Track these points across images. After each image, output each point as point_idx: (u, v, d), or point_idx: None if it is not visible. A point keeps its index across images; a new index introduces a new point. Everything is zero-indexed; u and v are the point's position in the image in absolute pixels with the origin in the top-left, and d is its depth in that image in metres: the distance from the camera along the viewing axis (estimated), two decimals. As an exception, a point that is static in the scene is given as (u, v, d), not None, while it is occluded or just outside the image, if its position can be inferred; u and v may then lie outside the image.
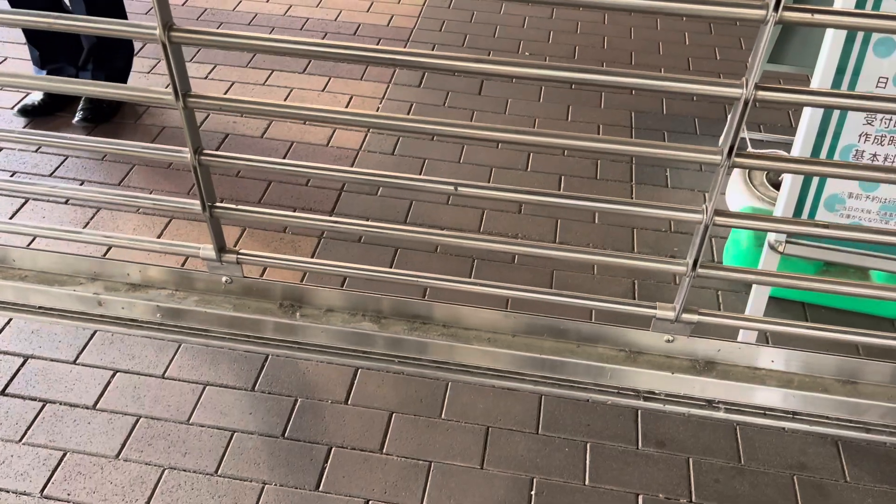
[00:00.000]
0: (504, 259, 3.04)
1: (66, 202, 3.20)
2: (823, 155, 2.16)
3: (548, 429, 2.51)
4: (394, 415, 2.53)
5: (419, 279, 1.28)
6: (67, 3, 3.51)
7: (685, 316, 1.26)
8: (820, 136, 2.14)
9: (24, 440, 2.40)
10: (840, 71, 2.07)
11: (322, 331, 1.32)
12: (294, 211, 2.99)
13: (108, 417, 2.46)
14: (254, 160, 1.23)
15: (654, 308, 1.26)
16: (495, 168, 3.48)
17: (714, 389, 1.31)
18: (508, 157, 3.53)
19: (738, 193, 3.32)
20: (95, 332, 2.69)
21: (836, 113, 2.11)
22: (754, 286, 2.51)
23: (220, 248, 1.29)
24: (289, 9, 4.18)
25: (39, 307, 1.36)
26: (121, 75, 3.73)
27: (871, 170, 1.09)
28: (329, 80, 3.86)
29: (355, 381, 2.61)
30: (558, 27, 4.14)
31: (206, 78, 3.77)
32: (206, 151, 1.19)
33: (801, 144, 2.16)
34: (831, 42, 2.05)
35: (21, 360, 2.63)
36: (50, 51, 3.63)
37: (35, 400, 2.51)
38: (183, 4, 4.11)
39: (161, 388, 2.53)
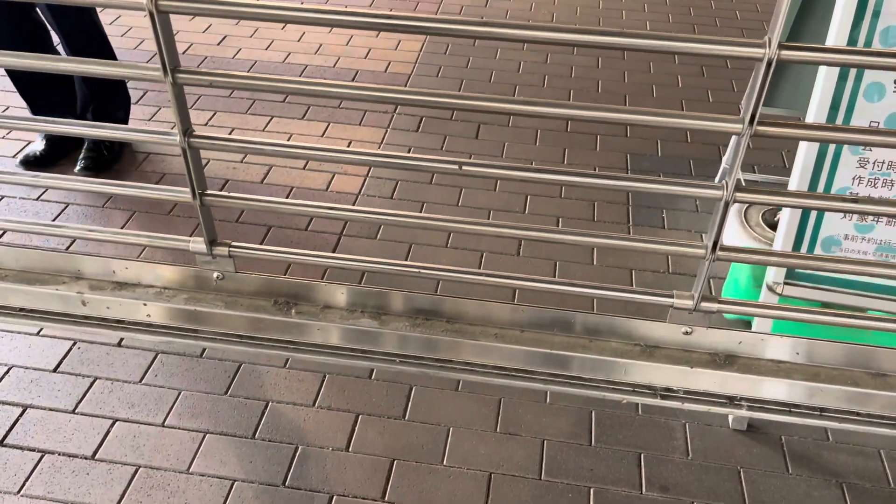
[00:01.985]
0: (506, 294, 2.94)
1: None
2: (808, 232, 2.11)
3: (550, 474, 2.38)
4: (395, 462, 2.40)
5: (422, 271, 1.18)
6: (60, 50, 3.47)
7: (704, 304, 1.15)
8: (814, 179, 2.08)
9: (22, 491, 2.26)
10: (833, 111, 2.01)
11: (319, 329, 1.22)
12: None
13: (107, 468, 2.33)
14: (254, 199, 1.15)
15: (672, 297, 1.16)
16: (493, 210, 3.40)
17: (736, 384, 1.20)
18: (507, 201, 3.45)
19: (733, 233, 3.24)
20: (95, 379, 2.57)
21: (830, 156, 2.05)
22: (754, 321, 2.40)
23: (212, 241, 1.19)
24: (287, 56, 4.15)
25: (20, 309, 1.26)
26: (122, 122, 3.67)
27: (872, 203, 1.03)
28: (328, 125, 3.81)
29: (356, 428, 2.49)
30: (553, 71, 4.11)
31: (206, 124, 3.72)
32: (208, 192, 1.12)
33: (795, 186, 2.10)
34: (823, 84, 1.99)
35: (20, 409, 2.51)
36: (43, 104, 3.56)
37: (34, 451, 2.38)
38: (184, 53, 4.08)
39: (161, 436, 2.41)
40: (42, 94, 3.53)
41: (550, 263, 3.16)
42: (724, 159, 3.36)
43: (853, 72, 1.96)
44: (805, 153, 2.06)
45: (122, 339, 2.63)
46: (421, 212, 3.35)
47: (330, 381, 2.62)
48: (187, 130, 1.08)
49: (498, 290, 2.98)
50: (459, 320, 1.22)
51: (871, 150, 2.02)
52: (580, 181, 1.08)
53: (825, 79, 1.98)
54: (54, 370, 2.59)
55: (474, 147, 3.73)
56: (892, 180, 2.04)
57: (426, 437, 2.47)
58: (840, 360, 1.19)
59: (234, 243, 1.19)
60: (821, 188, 2.09)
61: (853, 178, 2.06)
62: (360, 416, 2.51)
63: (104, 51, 3.45)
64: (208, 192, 1.14)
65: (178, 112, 1.07)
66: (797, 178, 2.09)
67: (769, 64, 0.90)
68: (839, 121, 2.01)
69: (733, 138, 3.24)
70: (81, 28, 3.37)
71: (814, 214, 2.13)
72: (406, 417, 2.52)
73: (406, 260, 2.97)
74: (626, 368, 1.20)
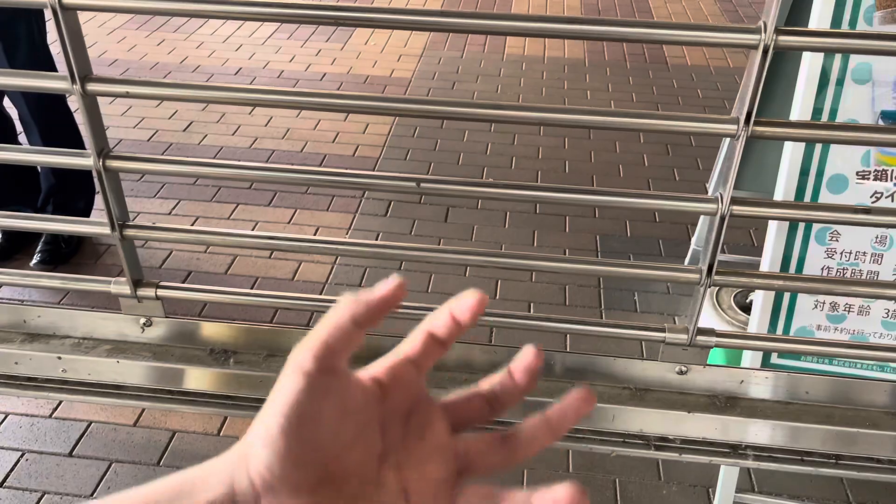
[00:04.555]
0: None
1: None
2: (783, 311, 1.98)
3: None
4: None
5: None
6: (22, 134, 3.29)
7: (700, 339, 0.98)
8: (785, 261, 1.97)
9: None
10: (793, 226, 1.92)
11: (260, 380, 1.03)
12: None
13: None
14: (186, 232, 0.99)
15: (663, 331, 0.99)
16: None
17: (739, 430, 1.02)
18: (477, 285, 3.27)
19: (705, 316, 3.09)
20: (44, 494, 2.32)
21: (798, 243, 1.95)
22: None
23: (136, 281, 1.01)
24: (254, 141, 4.02)
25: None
26: (82, 216, 3.48)
27: (853, 285, 0.98)
28: (295, 211, 3.65)
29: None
30: (520, 153, 4.01)
31: (170, 213, 3.54)
32: (130, 223, 0.96)
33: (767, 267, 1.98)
34: (787, 171, 1.89)
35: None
36: (2, 193, 3.37)
37: None
38: (149, 140, 3.93)
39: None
40: (2, 184, 3.35)
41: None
42: (694, 240, 3.23)
43: (815, 164, 1.88)
44: (775, 236, 1.94)
45: (73, 449, 2.39)
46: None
47: None
48: (102, 150, 0.92)
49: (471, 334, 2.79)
50: (422, 365, 1.03)
51: (837, 240, 1.93)
52: (555, 266, 1.00)
53: (790, 162, 1.88)
54: (0, 485, 2.33)
55: (443, 231, 3.59)
56: (859, 270, 1.93)
57: None
58: (856, 399, 1.01)
59: (162, 283, 1.01)
60: (792, 270, 1.97)
61: (822, 269, 1.95)
62: None
63: (74, 138, 3.28)
64: (130, 223, 0.97)
65: (92, 127, 0.90)
66: (768, 260, 1.97)
67: (742, 139, 0.84)
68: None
69: (703, 219, 3.13)
70: (55, 115, 3.20)
71: (786, 302, 1.99)
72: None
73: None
74: (613, 415, 1.01)
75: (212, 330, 1.04)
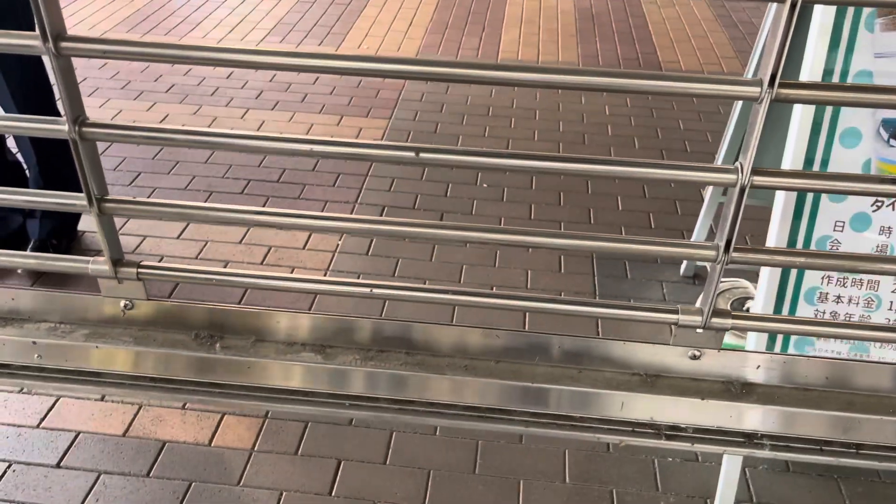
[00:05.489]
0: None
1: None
2: (790, 288, 1.93)
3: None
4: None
5: (374, 290, 0.94)
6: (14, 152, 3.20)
7: (715, 321, 0.92)
8: (782, 284, 1.93)
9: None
10: (797, 216, 1.87)
11: (248, 367, 0.96)
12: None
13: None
14: (171, 205, 0.92)
15: (676, 313, 0.92)
16: (466, 266, 3.15)
17: (755, 419, 0.95)
18: (477, 253, 3.20)
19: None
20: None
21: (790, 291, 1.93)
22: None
23: (116, 261, 0.94)
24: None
25: None
26: (71, 220, 3.39)
27: (877, 261, 0.86)
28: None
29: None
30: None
31: (161, 219, 3.46)
32: (109, 197, 0.90)
33: (764, 292, 1.92)
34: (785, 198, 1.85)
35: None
36: None
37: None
38: (129, 184, 3.84)
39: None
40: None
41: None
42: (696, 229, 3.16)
43: (804, 224, 1.85)
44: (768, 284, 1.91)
45: (61, 460, 2.31)
46: (395, 271, 3.09)
47: (269, 431, 2.35)
48: (78, 118, 0.85)
49: (468, 318, 2.69)
50: (421, 350, 0.97)
51: (837, 248, 1.89)
52: (560, 243, 0.93)
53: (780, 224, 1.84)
54: None
55: (444, 205, 3.54)
56: (859, 279, 1.89)
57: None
58: (880, 385, 0.95)
59: (143, 262, 0.94)
60: (791, 288, 1.94)
61: (822, 277, 1.91)
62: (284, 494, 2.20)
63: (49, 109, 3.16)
64: (110, 197, 0.90)
65: (67, 92, 0.84)
66: (765, 284, 1.93)
67: (765, 102, 0.78)
68: (804, 221, 1.88)
69: (700, 224, 3.07)
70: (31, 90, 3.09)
71: (790, 291, 1.94)
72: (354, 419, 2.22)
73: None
74: (623, 402, 0.95)
75: (197, 313, 0.97)
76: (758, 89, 0.77)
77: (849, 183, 0.81)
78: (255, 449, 2.34)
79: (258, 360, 0.96)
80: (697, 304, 0.93)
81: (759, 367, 0.95)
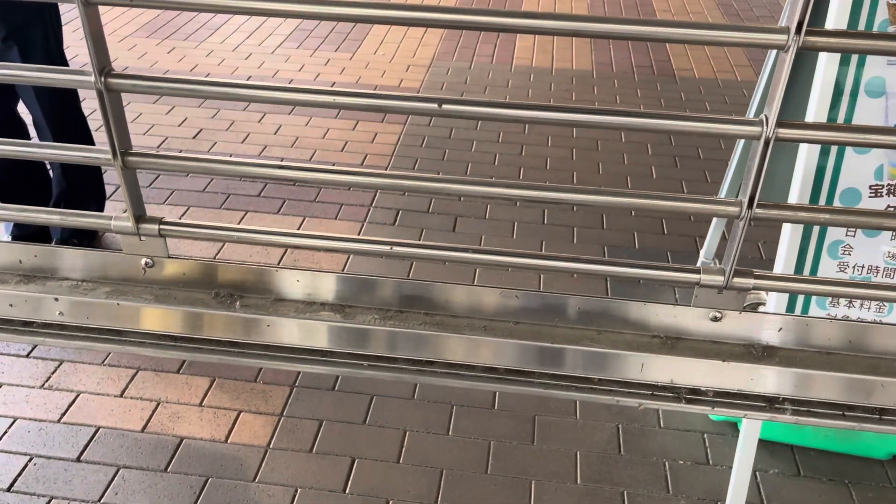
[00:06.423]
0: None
1: None
2: (812, 244, 1.93)
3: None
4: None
5: (394, 248, 0.93)
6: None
7: (737, 280, 0.91)
8: (798, 272, 1.92)
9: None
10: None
11: (268, 325, 0.96)
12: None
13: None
14: (212, 226, 0.92)
15: (698, 272, 0.91)
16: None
17: (777, 382, 0.94)
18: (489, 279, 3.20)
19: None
20: (51, 499, 2.22)
21: (811, 256, 1.92)
22: (741, 432, 2.09)
23: (138, 217, 0.94)
24: (264, 149, 3.95)
25: None
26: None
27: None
28: (304, 220, 3.57)
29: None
30: (528, 163, 3.93)
31: (179, 219, 3.48)
32: (133, 150, 0.90)
33: (786, 250, 1.92)
34: (801, 183, 1.84)
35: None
36: (14, 196, 3.30)
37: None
38: (158, 146, 3.88)
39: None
40: (12, 188, 3.28)
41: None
42: (703, 252, 3.14)
43: (828, 176, 1.85)
44: (785, 258, 1.89)
45: (81, 454, 2.30)
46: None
47: (284, 429, 2.37)
48: (104, 69, 0.85)
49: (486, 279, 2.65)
50: (439, 310, 0.96)
51: (850, 254, 1.88)
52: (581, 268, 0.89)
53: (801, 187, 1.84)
54: (8, 489, 2.24)
55: (451, 239, 3.52)
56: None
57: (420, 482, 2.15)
58: (904, 347, 0.93)
59: (165, 219, 0.94)
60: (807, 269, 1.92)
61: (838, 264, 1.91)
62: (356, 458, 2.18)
63: (87, 142, 3.22)
64: (133, 150, 0.90)
65: (94, 42, 0.84)
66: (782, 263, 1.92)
67: (792, 50, 0.77)
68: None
69: (713, 228, 3.04)
70: (68, 119, 3.14)
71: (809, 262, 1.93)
72: (376, 378, 2.20)
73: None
74: (643, 364, 0.94)
75: (217, 271, 0.97)
76: (784, 37, 0.76)
77: (874, 136, 0.80)
78: (271, 446, 2.33)
79: (277, 318, 0.95)
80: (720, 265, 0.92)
81: (780, 329, 0.94)
